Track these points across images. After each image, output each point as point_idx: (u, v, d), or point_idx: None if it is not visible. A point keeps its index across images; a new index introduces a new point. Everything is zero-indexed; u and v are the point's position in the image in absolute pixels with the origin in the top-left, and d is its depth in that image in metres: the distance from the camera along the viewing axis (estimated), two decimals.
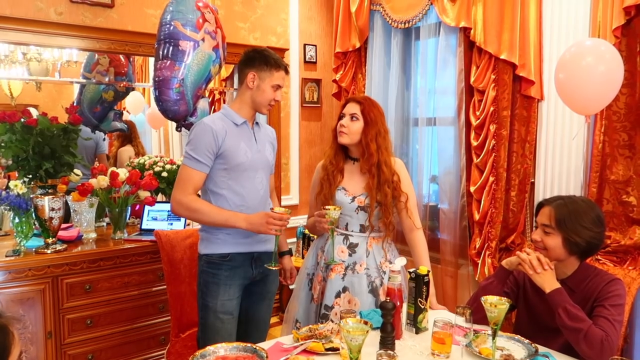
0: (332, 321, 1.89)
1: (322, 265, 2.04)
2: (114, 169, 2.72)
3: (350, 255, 1.99)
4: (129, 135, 3.46)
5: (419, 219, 2.08)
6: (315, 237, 2.19)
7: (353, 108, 2.00)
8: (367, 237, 2.01)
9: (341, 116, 2.03)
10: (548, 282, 1.62)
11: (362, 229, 2.01)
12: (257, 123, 2.04)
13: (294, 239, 3.61)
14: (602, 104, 2.17)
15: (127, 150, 3.44)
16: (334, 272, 1.99)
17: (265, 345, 1.60)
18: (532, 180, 2.77)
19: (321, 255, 2.06)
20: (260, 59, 1.91)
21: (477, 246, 2.89)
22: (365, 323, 1.31)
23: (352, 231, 2.01)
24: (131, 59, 3.26)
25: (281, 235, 1.96)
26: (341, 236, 2.02)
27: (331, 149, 2.08)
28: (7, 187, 2.40)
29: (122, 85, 3.21)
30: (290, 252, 2.28)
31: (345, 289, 1.98)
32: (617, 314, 1.57)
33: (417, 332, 1.72)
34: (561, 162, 2.60)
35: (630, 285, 2.16)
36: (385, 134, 2.02)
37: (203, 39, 2.44)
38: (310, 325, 1.72)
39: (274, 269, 1.91)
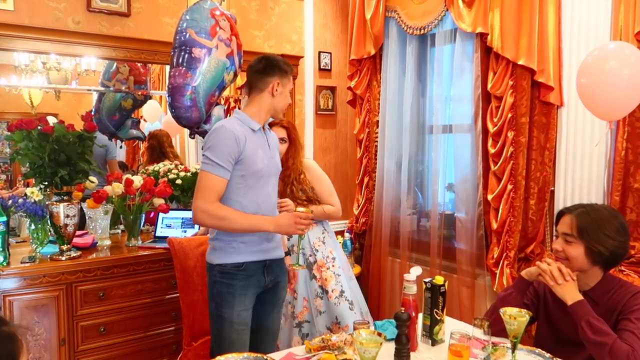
0: (293, 252, 2.41)
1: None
2: (128, 176, 2.73)
3: (288, 239, 2.47)
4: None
5: (338, 203, 2.57)
6: None
7: (280, 132, 2.46)
8: None
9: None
10: (570, 293, 1.57)
11: None
12: (267, 129, 2.06)
13: None
14: (627, 109, 2.10)
15: None
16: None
17: (277, 355, 1.57)
18: (552, 188, 2.70)
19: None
20: (278, 67, 1.94)
21: (495, 256, 2.82)
22: (379, 334, 1.28)
23: None
24: (148, 67, 3.29)
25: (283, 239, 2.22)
26: None
27: None
28: (25, 194, 2.43)
29: (140, 93, 3.25)
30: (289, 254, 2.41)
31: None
32: None
33: (433, 344, 1.68)
34: (582, 169, 2.53)
35: None
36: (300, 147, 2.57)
37: (217, 46, 2.44)
38: (323, 336, 1.69)
39: (300, 269, 2.16)
